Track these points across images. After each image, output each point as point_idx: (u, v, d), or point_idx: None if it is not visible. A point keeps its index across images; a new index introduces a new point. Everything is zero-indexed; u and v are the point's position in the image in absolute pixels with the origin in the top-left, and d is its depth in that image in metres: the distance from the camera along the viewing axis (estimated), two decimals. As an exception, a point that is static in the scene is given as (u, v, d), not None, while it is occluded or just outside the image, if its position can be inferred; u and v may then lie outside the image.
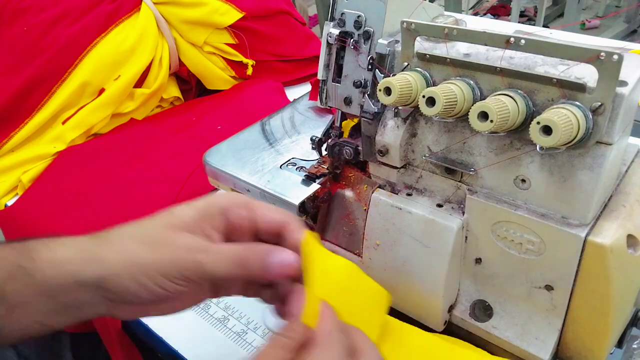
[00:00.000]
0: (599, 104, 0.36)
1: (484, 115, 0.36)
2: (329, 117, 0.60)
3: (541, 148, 0.37)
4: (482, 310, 0.50)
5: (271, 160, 0.62)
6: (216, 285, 0.40)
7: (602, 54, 0.34)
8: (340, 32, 0.50)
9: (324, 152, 0.58)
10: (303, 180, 0.58)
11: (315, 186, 0.56)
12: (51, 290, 0.35)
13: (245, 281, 0.41)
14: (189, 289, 0.36)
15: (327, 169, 0.56)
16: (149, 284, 0.35)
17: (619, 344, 0.48)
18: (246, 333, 0.58)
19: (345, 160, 0.56)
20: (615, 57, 0.34)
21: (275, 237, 0.39)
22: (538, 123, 0.34)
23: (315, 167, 0.57)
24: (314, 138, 0.58)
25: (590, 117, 0.37)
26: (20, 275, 0.34)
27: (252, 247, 0.37)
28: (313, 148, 0.59)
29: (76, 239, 0.36)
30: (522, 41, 0.37)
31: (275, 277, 0.37)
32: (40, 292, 0.34)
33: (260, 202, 0.40)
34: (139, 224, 0.37)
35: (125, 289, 0.35)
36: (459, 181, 0.48)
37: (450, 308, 0.51)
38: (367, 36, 0.49)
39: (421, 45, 0.45)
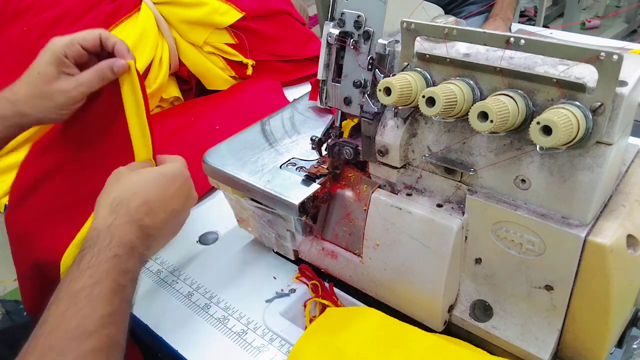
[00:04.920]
0: (599, 104, 0.36)
1: (483, 115, 0.36)
2: (329, 117, 0.60)
3: (541, 148, 0.37)
4: (482, 310, 0.50)
5: (271, 160, 0.62)
6: None
7: (602, 54, 0.34)
8: (340, 32, 0.50)
9: (324, 152, 0.58)
10: (303, 180, 0.58)
11: (315, 186, 0.56)
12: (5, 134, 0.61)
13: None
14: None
15: (327, 169, 0.56)
16: (65, 112, 0.60)
17: (619, 344, 0.48)
18: (246, 333, 0.58)
19: (345, 160, 0.56)
20: (615, 57, 0.34)
21: (98, 45, 0.60)
22: (538, 123, 0.34)
23: (315, 167, 0.57)
24: (314, 138, 0.58)
25: (590, 117, 0.37)
26: None
27: (100, 65, 0.58)
28: (313, 148, 0.59)
29: (3, 108, 0.60)
30: (522, 41, 0.37)
31: (119, 74, 0.59)
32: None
33: (76, 34, 0.59)
34: (28, 90, 0.59)
35: (53, 120, 0.62)
36: (459, 181, 0.48)
37: (450, 308, 0.51)
38: (367, 36, 0.49)
39: (421, 45, 0.45)
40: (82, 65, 0.60)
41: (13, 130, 0.61)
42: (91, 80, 0.58)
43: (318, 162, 0.60)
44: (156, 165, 0.58)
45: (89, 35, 0.59)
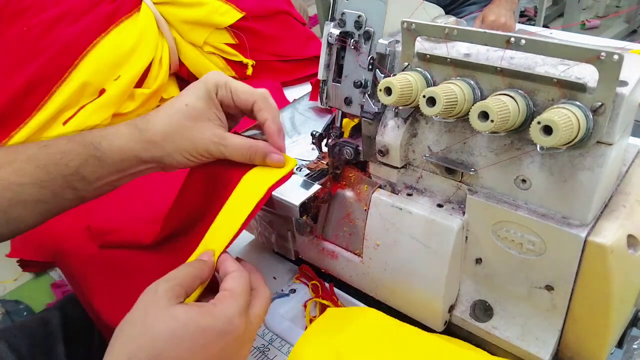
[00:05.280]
0: (600, 103, 0.36)
1: (484, 115, 0.36)
2: (330, 117, 0.60)
3: (541, 148, 0.37)
4: (483, 310, 0.50)
5: (271, 161, 0.62)
6: None
7: (603, 54, 0.34)
8: (340, 32, 0.50)
9: (324, 148, 0.58)
10: (303, 180, 0.58)
11: (315, 187, 0.56)
12: (119, 167, 0.50)
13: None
14: None
15: (327, 164, 0.56)
16: (191, 159, 0.50)
17: (619, 344, 0.48)
18: (246, 333, 0.58)
19: (345, 161, 0.56)
20: (616, 57, 0.34)
21: (249, 109, 0.52)
22: (538, 123, 0.34)
23: (315, 163, 0.57)
24: (314, 133, 0.58)
25: (591, 117, 0.37)
26: (92, 161, 0.48)
27: (256, 146, 0.49)
28: (313, 143, 0.59)
29: (127, 135, 0.49)
30: (522, 41, 0.37)
31: (267, 165, 0.50)
32: (111, 171, 0.50)
33: (232, 80, 0.51)
34: (169, 119, 0.49)
35: (175, 163, 0.50)
36: (460, 181, 0.48)
37: (451, 308, 0.51)
38: (368, 36, 0.49)
39: (421, 45, 0.45)
40: (228, 116, 0.52)
41: (129, 164, 0.50)
42: (236, 151, 0.49)
43: (318, 157, 0.60)
44: (216, 264, 0.46)
45: (243, 94, 0.50)
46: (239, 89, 0.50)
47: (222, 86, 0.50)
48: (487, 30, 0.39)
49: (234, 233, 0.46)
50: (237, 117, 0.54)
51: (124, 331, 0.39)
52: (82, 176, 0.49)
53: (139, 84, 0.98)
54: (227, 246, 0.46)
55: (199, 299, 0.45)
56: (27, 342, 0.63)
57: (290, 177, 0.51)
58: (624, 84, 0.37)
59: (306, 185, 0.57)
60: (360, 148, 0.53)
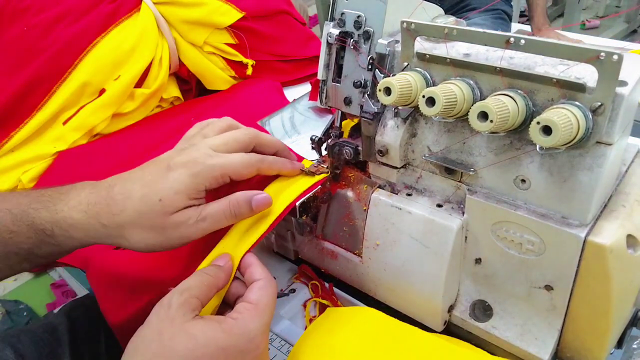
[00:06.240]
0: (599, 104, 0.36)
1: (483, 115, 0.36)
2: (329, 117, 0.60)
3: (541, 148, 0.37)
4: (482, 310, 0.50)
5: (271, 160, 0.62)
6: None
7: (602, 54, 0.34)
8: (340, 32, 0.50)
9: (324, 152, 0.58)
10: (303, 180, 0.57)
11: (315, 186, 0.56)
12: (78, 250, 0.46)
13: None
14: None
15: (327, 168, 0.56)
16: (166, 248, 0.45)
17: (619, 344, 0.48)
18: (246, 333, 0.58)
19: (345, 161, 0.56)
20: (615, 57, 0.34)
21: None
22: (538, 123, 0.34)
23: (315, 167, 0.57)
24: (313, 137, 0.58)
25: (590, 117, 0.37)
26: (46, 245, 0.45)
27: (235, 197, 0.45)
28: (313, 148, 0.59)
29: (86, 227, 0.44)
30: (522, 41, 0.37)
31: (259, 211, 0.47)
32: (69, 251, 0.46)
33: (227, 163, 0.46)
34: (138, 218, 0.44)
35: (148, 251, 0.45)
36: (459, 181, 0.48)
37: (450, 308, 0.51)
38: (367, 36, 0.49)
39: (421, 45, 0.45)
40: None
41: (90, 247, 0.46)
42: (217, 215, 0.44)
43: (318, 161, 0.60)
44: (238, 267, 0.44)
45: (244, 170, 0.46)
46: (239, 171, 0.46)
47: (216, 179, 0.45)
48: (487, 31, 0.39)
49: (257, 237, 0.46)
50: None
51: (138, 351, 0.37)
52: (37, 255, 0.45)
53: (139, 84, 0.98)
54: (248, 251, 0.45)
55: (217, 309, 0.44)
56: (32, 348, 0.63)
57: (318, 185, 0.54)
58: (623, 84, 0.37)
59: (306, 185, 0.57)
60: (359, 148, 0.53)
